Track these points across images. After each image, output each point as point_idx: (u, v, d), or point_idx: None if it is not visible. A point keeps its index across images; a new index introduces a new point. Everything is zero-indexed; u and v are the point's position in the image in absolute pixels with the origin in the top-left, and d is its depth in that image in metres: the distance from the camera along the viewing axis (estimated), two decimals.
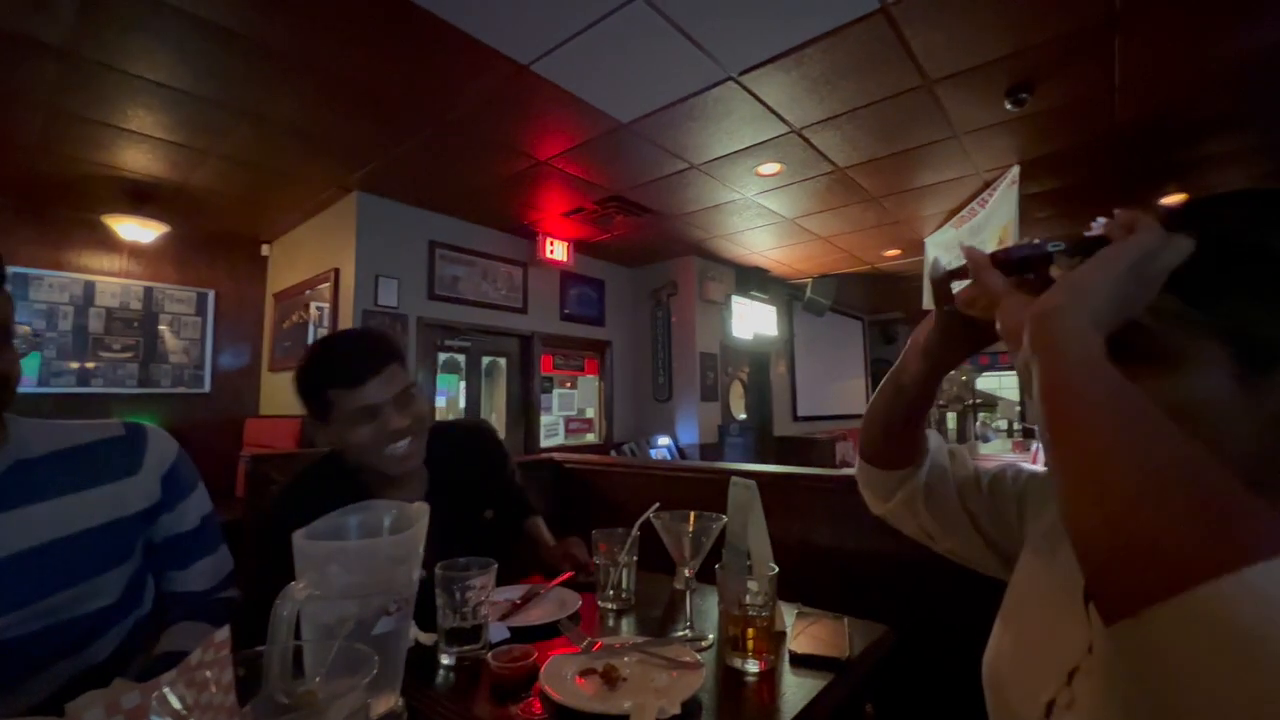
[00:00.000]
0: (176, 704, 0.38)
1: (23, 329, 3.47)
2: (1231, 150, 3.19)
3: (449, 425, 1.29)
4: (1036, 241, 0.51)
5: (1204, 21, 2.13)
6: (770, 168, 3.37)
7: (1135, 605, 0.30)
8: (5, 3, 1.91)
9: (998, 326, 0.49)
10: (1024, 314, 0.43)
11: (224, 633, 0.56)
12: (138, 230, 3.56)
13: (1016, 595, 0.62)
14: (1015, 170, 3.30)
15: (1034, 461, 3.64)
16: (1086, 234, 0.48)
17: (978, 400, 8.18)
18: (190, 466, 0.93)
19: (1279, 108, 2.74)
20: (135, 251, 3.86)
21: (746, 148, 3.11)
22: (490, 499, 1.25)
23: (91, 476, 0.80)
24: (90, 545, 0.78)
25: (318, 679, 0.49)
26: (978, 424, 7.70)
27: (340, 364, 1.01)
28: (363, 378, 0.98)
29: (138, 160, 3.08)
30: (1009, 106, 2.65)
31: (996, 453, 4.78)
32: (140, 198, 3.46)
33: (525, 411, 4.70)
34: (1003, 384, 8.39)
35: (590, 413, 5.32)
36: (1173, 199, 3.62)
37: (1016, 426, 6.86)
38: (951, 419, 8.19)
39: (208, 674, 0.50)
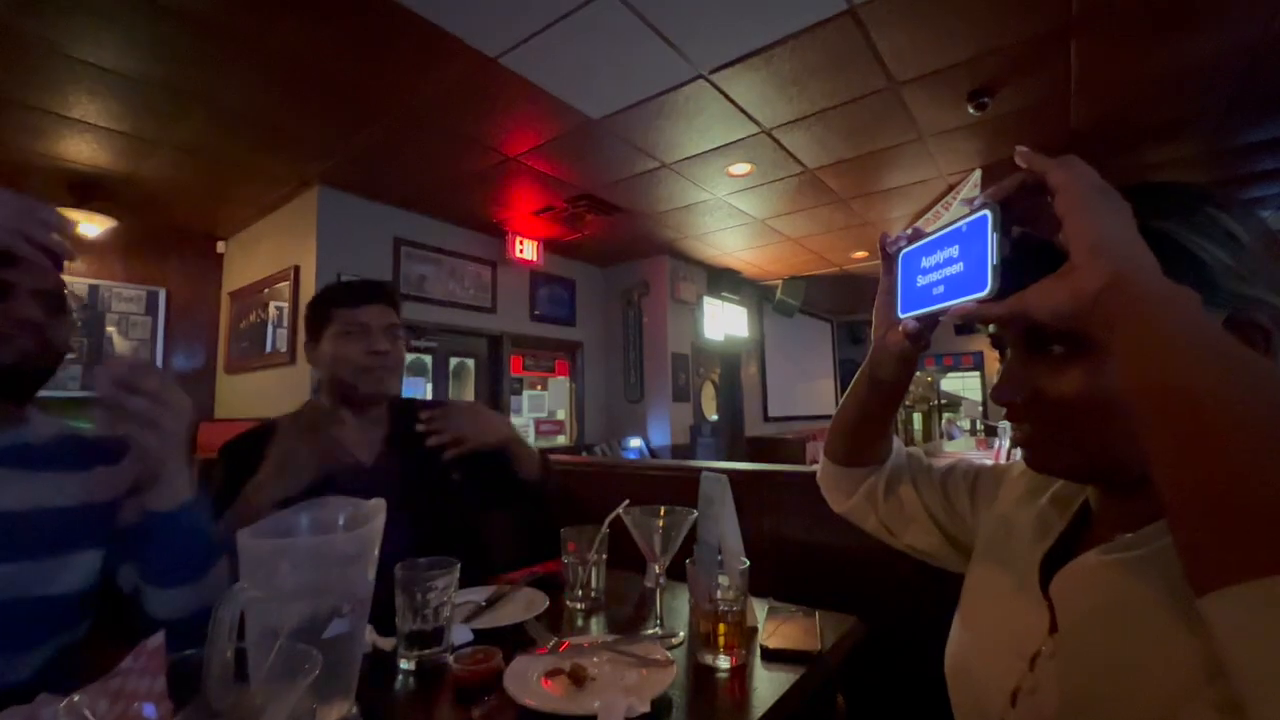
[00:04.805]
0: (89, 716, 0.34)
1: None
2: (1178, 158, 3.33)
3: (416, 400, 1.37)
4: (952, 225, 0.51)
5: (1153, 29, 2.21)
6: (741, 168, 3.39)
7: (1244, 573, 0.29)
8: None
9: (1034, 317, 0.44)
10: (1064, 297, 0.40)
11: (157, 639, 0.52)
12: (83, 225, 3.39)
13: (973, 586, 0.62)
14: (978, 174, 3.39)
15: (997, 458, 3.74)
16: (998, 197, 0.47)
17: (943, 400, 8.45)
18: None
19: (1222, 116, 2.87)
20: (80, 247, 3.65)
21: (717, 147, 3.12)
22: (459, 464, 1.21)
23: (79, 460, 0.88)
24: (62, 522, 0.83)
25: (257, 684, 0.46)
26: (943, 423, 7.94)
27: (348, 289, 1.26)
28: (362, 302, 1.22)
29: (82, 150, 2.92)
30: (971, 110, 2.72)
31: (961, 450, 4.90)
32: (85, 190, 3.29)
33: None
34: (965, 385, 8.64)
35: (561, 414, 5.26)
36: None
37: (979, 425, 7.11)
38: (918, 419, 8.43)
39: (137, 684, 0.46)
